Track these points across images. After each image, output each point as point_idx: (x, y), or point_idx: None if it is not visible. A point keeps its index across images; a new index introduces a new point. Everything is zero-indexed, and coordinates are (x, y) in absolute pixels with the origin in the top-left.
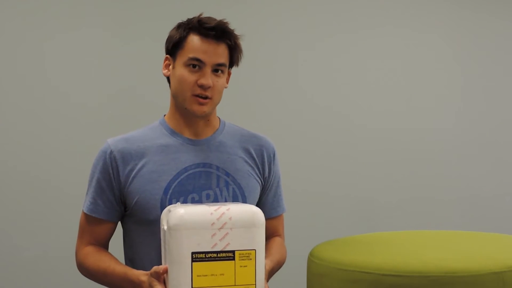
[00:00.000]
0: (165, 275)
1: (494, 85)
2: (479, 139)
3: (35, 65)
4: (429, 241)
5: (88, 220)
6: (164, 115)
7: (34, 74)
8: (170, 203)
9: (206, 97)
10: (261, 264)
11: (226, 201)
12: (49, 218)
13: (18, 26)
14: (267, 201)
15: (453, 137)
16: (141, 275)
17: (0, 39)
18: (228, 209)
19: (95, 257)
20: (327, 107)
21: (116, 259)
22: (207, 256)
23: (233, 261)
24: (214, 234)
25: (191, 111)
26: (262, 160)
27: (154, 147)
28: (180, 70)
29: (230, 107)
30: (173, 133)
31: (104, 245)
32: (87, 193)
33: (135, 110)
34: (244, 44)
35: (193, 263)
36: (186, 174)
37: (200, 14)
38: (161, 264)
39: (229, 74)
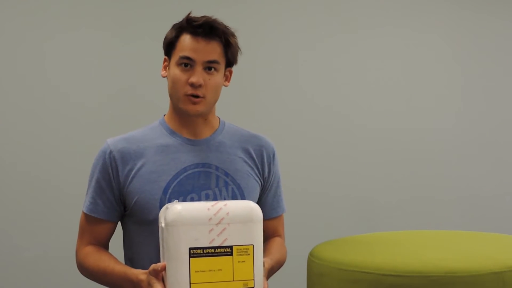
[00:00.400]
0: (163, 272)
1: (494, 85)
2: (479, 139)
3: (35, 65)
4: (429, 241)
5: (88, 220)
6: (164, 115)
7: (34, 74)
8: (169, 203)
9: (198, 96)
10: (259, 259)
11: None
12: (49, 218)
13: (18, 26)
14: (266, 202)
15: (453, 137)
16: (140, 274)
17: (0, 39)
18: (225, 205)
19: (95, 257)
20: (327, 107)
21: (115, 259)
22: (204, 252)
23: (231, 257)
24: (211, 230)
25: (184, 110)
26: (262, 161)
27: (154, 147)
28: (173, 70)
29: (230, 107)
30: (172, 133)
31: (104, 245)
32: (87, 193)
33: (135, 110)
34: (244, 44)
35: (190, 258)
36: (185, 174)
37: (189, 13)
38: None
39: (230, 72)
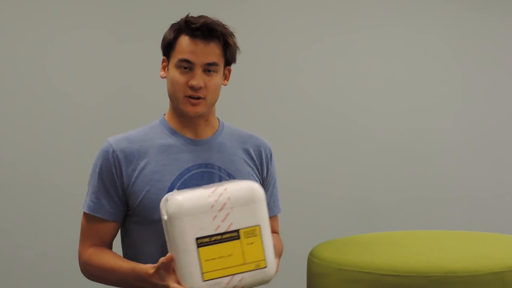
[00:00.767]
0: (173, 263)
1: (494, 85)
2: (479, 139)
3: (35, 65)
4: (429, 241)
5: (92, 221)
6: (164, 115)
7: (34, 74)
8: None
9: (198, 98)
10: (268, 238)
11: None
12: (49, 218)
13: (18, 26)
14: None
15: (453, 137)
16: (149, 268)
17: (0, 39)
18: (225, 189)
19: (99, 257)
20: (327, 107)
21: (121, 257)
22: (212, 240)
23: (239, 240)
24: (215, 216)
25: (184, 112)
26: (261, 161)
27: (156, 147)
28: (172, 72)
29: (230, 107)
30: (174, 133)
31: (108, 245)
32: (88, 193)
33: (135, 109)
34: (244, 44)
35: (199, 248)
36: (189, 174)
37: (188, 14)
38: None
39: (229, 71)
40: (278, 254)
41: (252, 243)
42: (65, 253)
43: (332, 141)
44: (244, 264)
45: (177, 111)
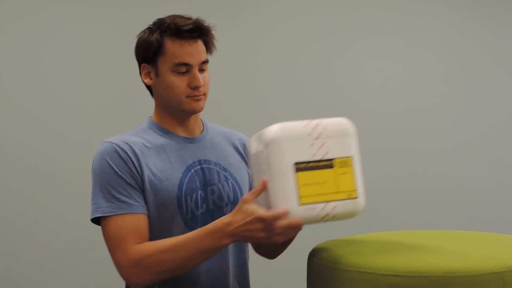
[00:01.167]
0: (264, 192)
1: (493, 85)
2: (479, 139)
3: (35, 64)
4: (429, 241)
5: (124, 222)
6: (150, 117)
7: (34, 73)
8: (185, 200)
9: (197, 96)
10: (359, 171)
11: (228, 196)
12: (49, 218)
13: (18, 26)
14: None
15: (453, 137)
16: (224, 217)
17: (0, 39)
18: (320, 121)
19: (154, 244)
20: (327, 107)
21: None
22: (308, 166)
23: (333, 169)
24: (312, 144)
25: (190, 110)
26: (246, 151)
27: (154, 148)
28: (168, 78)
29: (230, 107)
30: (167, 132)
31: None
32: (101, 198)
33: (135, 110)
34: (244, 44)
35: (297, 173)
36: (192, 170)
37: (175, 16)
38: None
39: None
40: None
41: (345, 173)
42: (65, 253)
43: None
44: (337, 192)
45: (172, 111)
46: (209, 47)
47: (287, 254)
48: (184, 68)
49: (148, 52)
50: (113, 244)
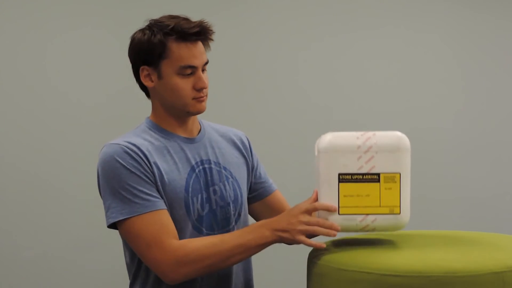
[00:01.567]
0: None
1: (494, 85)
2: (479, 139)
3: (35, 64)
4: (429, 241)
5: (155, 219)
6: (148, 117)
7: (34, 73)
8: (192, 201)
9: (201, 97)
10: (406, 188)
11: (229, 196)
12: (49, 218)
13: (18, 26)
14: (261, 179)
15: (453, 137)
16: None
17: (0, 39)
18: (373, 134)
19: (197, 239)
20: (327, 107)
21: None
22: (353, 178)
23: (378, 183)
24: (360, 157)
25: (195, 112)
26: (245, 148)
27: (158, 149)
28: (173, 80)
29: (230, 107)
30: (168, 133)
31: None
32: (123, 199)
33: (135, 110)
34: (244, 44)
35: (340, 183)
36: (196, 171)
37: (177, 19)
38: None
39: None
40: None
41: (390, 189)
42: (65, 253)
43: None
44: (379, 206)
45: (173, 113)
46: (206, 47)
47: (287, 254)
48: (189, 70)
49: (151, 54)
50: (146, 243)
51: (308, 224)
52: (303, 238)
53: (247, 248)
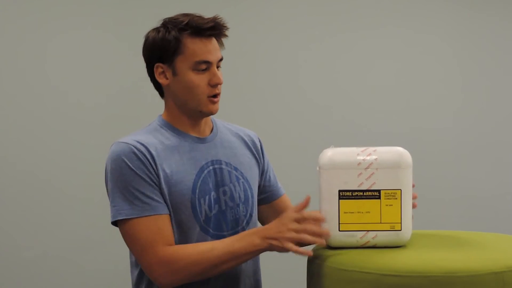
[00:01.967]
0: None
1: (493, 85)
2: (479, 139)
3: (36, 64)
4: (429, 241)
5: (153, 224)
6: (161, 116)
7: (34, 73)
8: (199, 203)
9: (216, 95)
10: (408, 204)
11: (240, 196)
12: (49, 218)
13: (18, 26)
14: (271, 183)
15: (453, 137)
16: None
17: (0, 39)
18: (374, 151)
19: (188, 246)
20: (327, 107)
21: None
22: (353, 194)
23: (379, 200)
24: (360, 174)
25: (207, 112)
26: (256, 149)
27: (168, 149)
28: (188, 76)
29: (230, 107)
30: (180, 133)
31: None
32: (125, 199)
33: (135, 110)
34: (245, 44)
35: (340, 200)
36: (205, 172)
37: (191, 15)
38: None
39: None
40: None
41: (391, 205)
42: (65, 253)
43: (332, 141)
44: (380, 223)
45: (186, 112)
46: (220, 44)
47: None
48: (204, 66)
49: (165, 51)
50: (141, 246)
51: (297, 231)
52: (291, 245)
53: (237, 256)
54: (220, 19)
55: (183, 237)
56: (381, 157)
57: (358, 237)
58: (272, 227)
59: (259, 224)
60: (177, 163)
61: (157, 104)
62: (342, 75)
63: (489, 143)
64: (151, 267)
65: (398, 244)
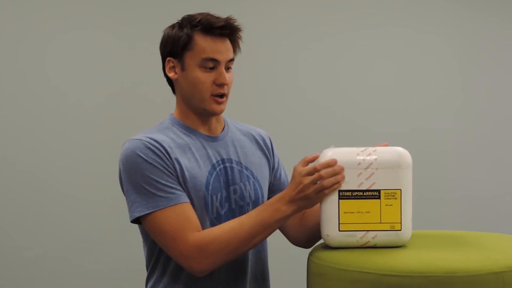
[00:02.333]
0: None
1: (493, 85)
2: (479, 139)
3: (36, 64)
4: (429, 241)
5: (179, 212)
6: (172, 114)
7: (35, 73)
8: (211, 199)
9: (222, 96)
10: (408, 204)
11: (250, 195)
12: (49, 218)
13: (18, 26)
14: (281, 181)
15: (453, 137)
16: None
17: (0, 39)
18: (374, 151)
19: (216, 228)
20: (327, 107)
21: None
22: (353, 194)
23: (379, 200)
24: (360, 174)
25: (210, 111)
26: (267, 147)
27: (180, 147)
28: (195, 72)
29: (230, 106)
30: (191, 131)
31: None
32: (147, 193)
33: (136, 110)
34: (244, 43)
35: (340, 200)
36: (217, 169)
37: (206, 13)
38: None
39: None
40: None
41: (391, 205)
42: (65, 253)
43: (332, 141)
44: (380, 223)
45: (194, 110)
46: (235, 47)
47: (287, 254)
48: (211, 64)
49: (176, 45)
50: (171, 236)
51: (314, 182)
52: (319, 196)
53: (267, 225)
54: (233, 20)
55: None
56: (381, 157)
57: (358, 237)
58: (290, 190)
59: None
60: (190, 160)
61: (157, 104)
62: (342, 75)
63: (489, 143)
64: (184, 255)
65: (398, 244)
